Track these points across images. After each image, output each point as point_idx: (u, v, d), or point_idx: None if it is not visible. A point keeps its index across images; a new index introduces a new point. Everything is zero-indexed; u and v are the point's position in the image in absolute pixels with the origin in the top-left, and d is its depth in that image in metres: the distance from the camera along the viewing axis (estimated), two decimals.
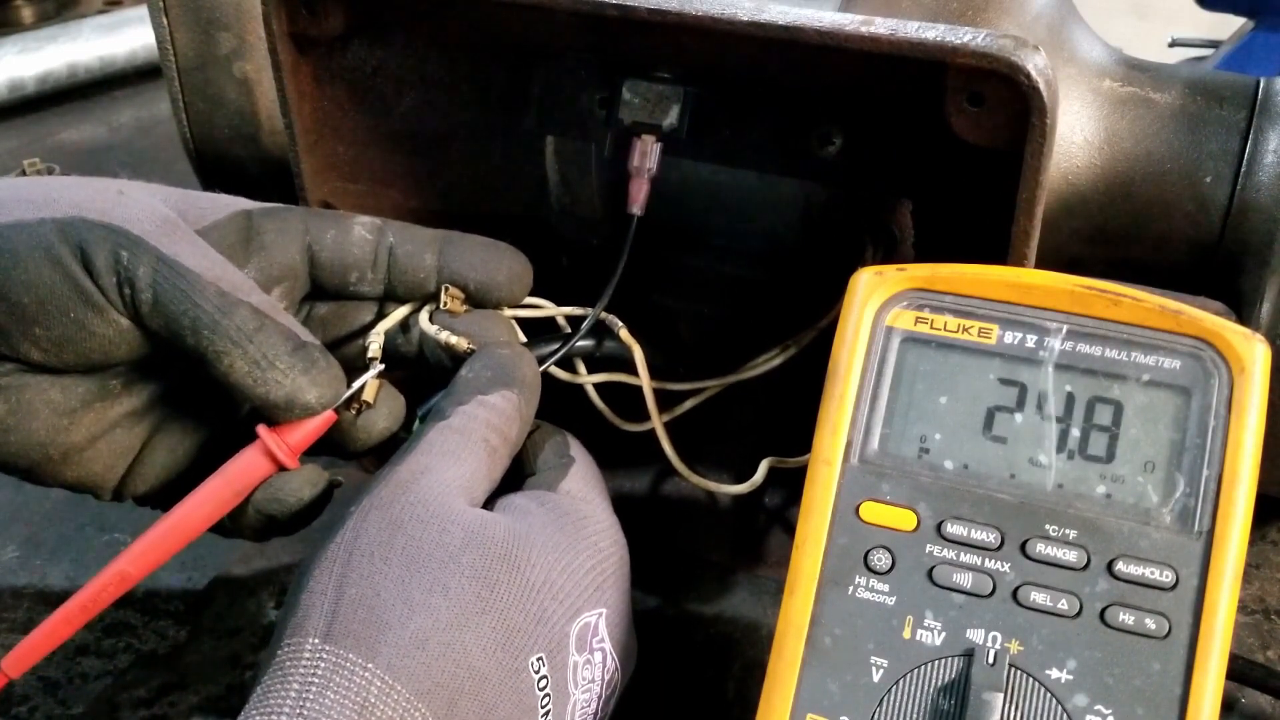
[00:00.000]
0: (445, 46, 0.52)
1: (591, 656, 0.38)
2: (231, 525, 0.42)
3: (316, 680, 0.32)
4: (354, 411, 0.42)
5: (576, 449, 0.44)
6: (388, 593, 0.34)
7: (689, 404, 0.51)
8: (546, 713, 0.36)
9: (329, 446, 0.43)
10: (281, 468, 0.41)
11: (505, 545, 0.37)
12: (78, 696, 0.51)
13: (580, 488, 0.42)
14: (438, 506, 0.37)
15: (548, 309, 0.48)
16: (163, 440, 0.44)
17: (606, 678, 0.39)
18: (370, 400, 0.42)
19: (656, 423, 0.49)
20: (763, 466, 0.49)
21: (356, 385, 0.42)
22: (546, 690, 0.36)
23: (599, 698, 0.38)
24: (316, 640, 0.33)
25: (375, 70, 0.52)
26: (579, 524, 0.40)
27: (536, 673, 0.35)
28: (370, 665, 0.32)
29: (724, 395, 0.52)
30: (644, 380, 0.48)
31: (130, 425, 0.43)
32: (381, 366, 0.43)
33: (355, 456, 0.44)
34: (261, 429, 0.41)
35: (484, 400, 0.41)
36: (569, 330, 0.48)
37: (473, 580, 0.35)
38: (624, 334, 0.48)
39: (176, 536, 0.41)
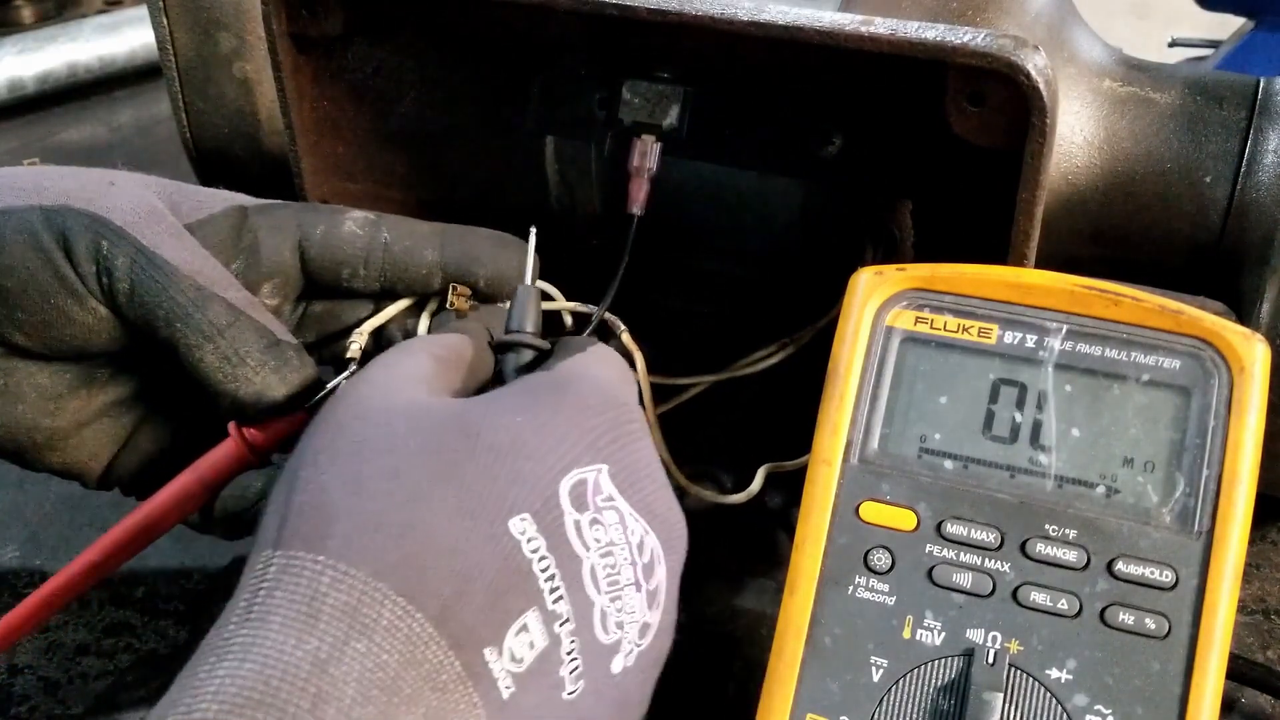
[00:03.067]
0: (445, 46, 0.52)
1: (600, 516, 0.35)
2: (201, 522, 0.42)
3: (266, 585, 0.30)
4: None
5: (599, 347, 0.41)
6: (334, 489, 0.32)
7: (685, 396, 0.51)
8: (550, 575, 0.33)
9: None
10: (251, 465, 0.41)
11: (458, 418, 0.34)
12: (78, 696, 0.51)
13: (579, 366, 0.39)
14: (380, 400, 0.35)
15: (558, 301, 0.48)
16: (148, 430, 0.44)
17: (635, 541, 0.35)
18: None
19: (654, 427, 0.49)
20: (760, 473, 0.49)
21: (330, 386, 0.42)
22: (541, 552, 0.33)
23: (634, 564, 0.35)
24: (268, 550, 0.31)
25: (375, 70, 0.52)
26: (560, 387, 0.37)
27: (521, 534, 0.33)
28: (320, 557, 0.30)
29: (723, 394, 0.52)
30: (644, 385, 0.48)
31: (116, 414, 0.43)
32: (355, 368, 0.43)
33: None
34: (233, 425, 0.41)
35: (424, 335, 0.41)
36: (571, 325, 0.48)
37: (424, 456, 0.33)
38: (626, 338, 0.48)
39: (146, 529, 0.41)
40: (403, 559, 0.31)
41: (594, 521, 0.34)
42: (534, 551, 0.33)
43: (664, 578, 0.36)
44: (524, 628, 0.32)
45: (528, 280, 0.45)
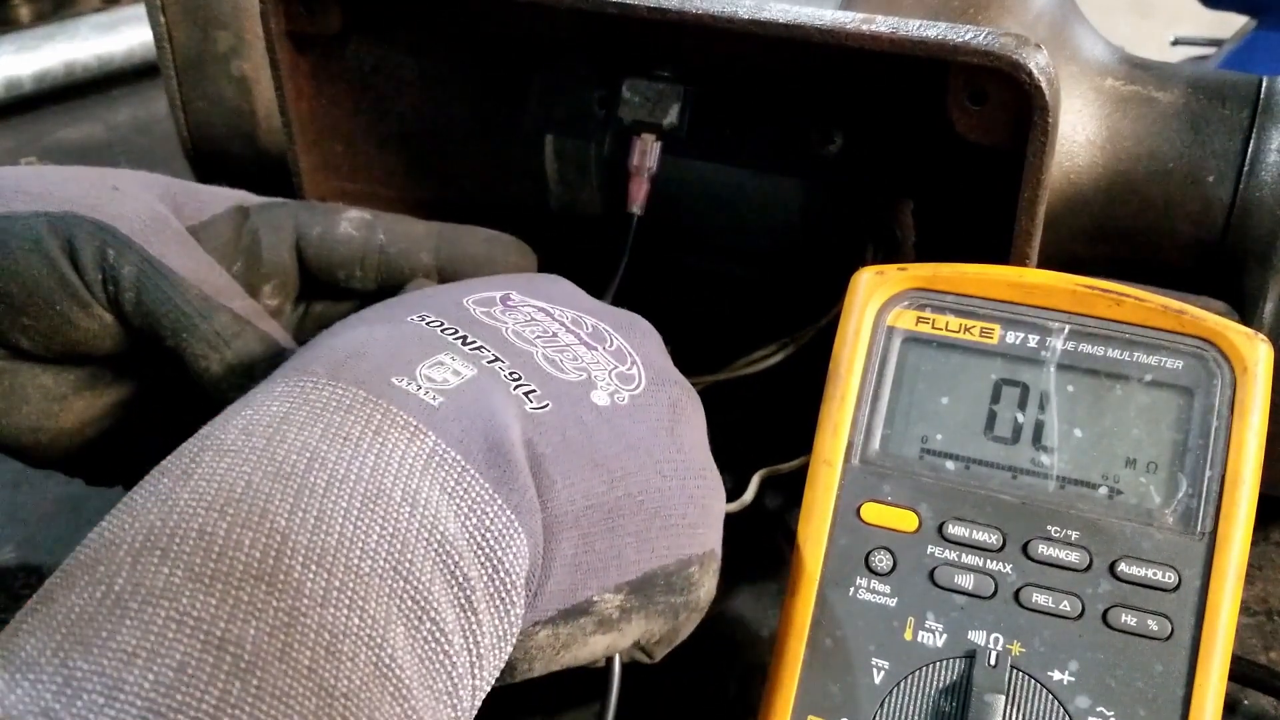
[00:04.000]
0: (444, 45, 0.52)
1: (515, 310, 0.36)
2: None
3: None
4: None
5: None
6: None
7: None
8: (459, 335, 0.34)
9: None
10: None
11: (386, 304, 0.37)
12: None
13: None
14: None
15: None
16: (153, 429, 0.44)
17: (566, 319, 0.36)
18: None
19: None
20: (755, 480, 0.49)
21: None
22: (444, 325, 0.34)
23: (571, 331, 0.36)
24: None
25: (374, 69, 0.52)
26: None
27: (421, 319, 0.34)
28: (291, 375, 0.32)
29: (723, 394, 0.51)
30: None
31: (119, 414, 0.44)
32: None
33: None
34: None
35: None
36: None
37: (361, 320, 0.35)
38: None
39: None
40: (306, 359, 0.32)
41: (506, 310, 0.35)
42: (435, 325, 0.34)
43: (627, 344, 0.36)
44: (438, 363, 0.32)
45: None
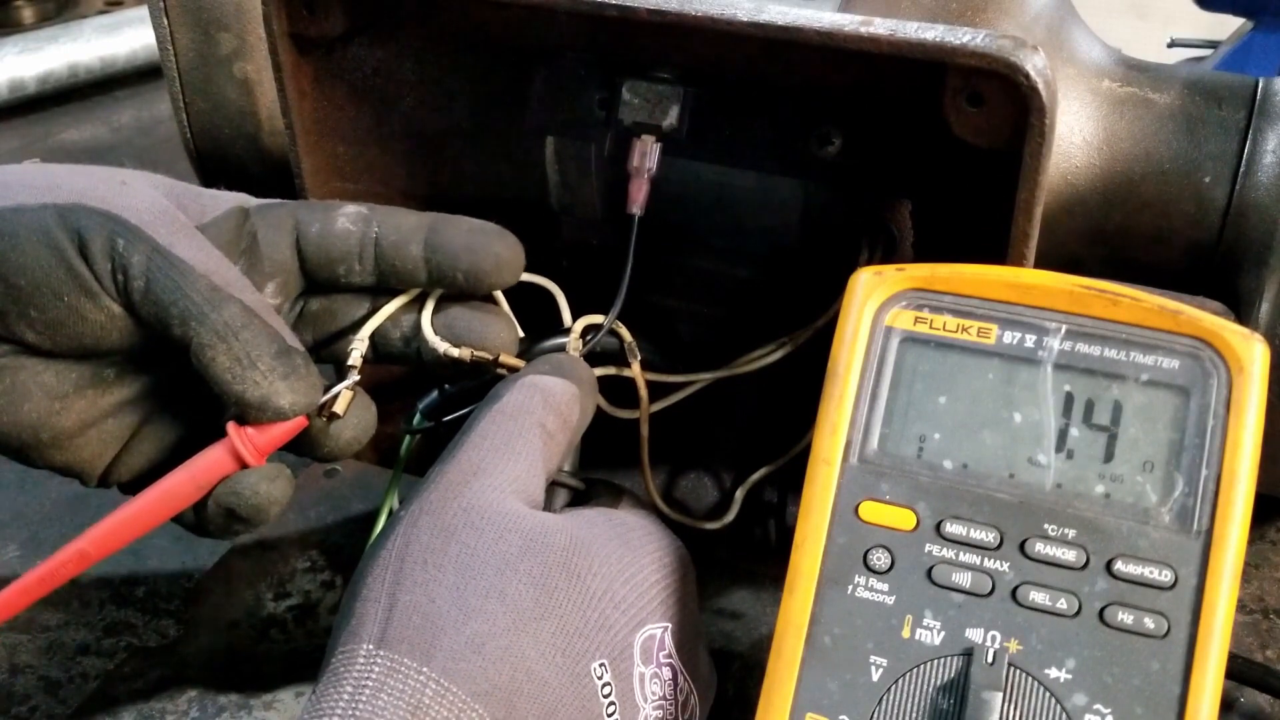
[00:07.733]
0: (445, 47, 0.52)
1: (660, 671, 0.38)
2: (195, 519, 0.43)
3: (370, 683, 0.32)
4: (324, 419, 0.42)
5: (629, 496, 0.46)
6: (442, 599, 0.34)
7: (683, 394, 0.51)
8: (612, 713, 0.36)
9: (294, 446, 0.43)
10: (244, 466, 0.41)
11: (565, 553, 0.36)
12: (78, 696, 0.51)
13: (640, 511, 0.43)
14: (492, 512, 0.37)
15: (562, 307, 0.48)
16: (151, 431, 0.44)
17: (681, 699, 0.39)
18: (340, 412, 0.42)
19: (643, 416, 0.49)
20: (738, 496, 0.50)
21: (330, 394, 0.42)
22: (611, 698, 0.35)
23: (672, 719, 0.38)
24: (370, 646, 0.33)
25: (375, 70, 0.52)
26: (644, 538, 0.40)
27: (599, 679, 0.35)
28: (425, 669, 0.33)
29: (723, 393, 0.52)
30: (640, 387, 0.48)
31: (121, 415, 0.44)
32: (356, 378, 0.43)
33: (320, 459, 0.44)
34: (231, 426, 0.41)
35: (540, 383, 0.41)
36: (569, 325, 0.48)
37: (530, 586, 0.35)
38: (623, 330, 0.48)
39: (137, 523, 0.41)
40: (498, 685, 0.33)
41: (654, 676, 0.38)
42: (606, 697, 0.36)
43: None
44: None
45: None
